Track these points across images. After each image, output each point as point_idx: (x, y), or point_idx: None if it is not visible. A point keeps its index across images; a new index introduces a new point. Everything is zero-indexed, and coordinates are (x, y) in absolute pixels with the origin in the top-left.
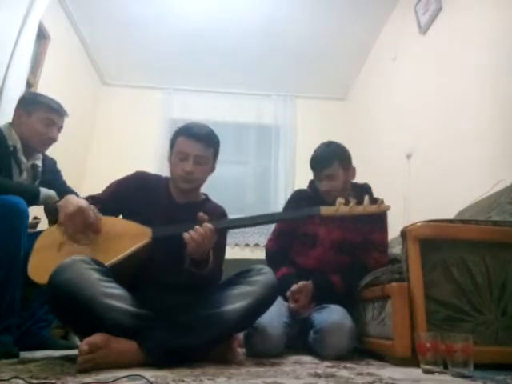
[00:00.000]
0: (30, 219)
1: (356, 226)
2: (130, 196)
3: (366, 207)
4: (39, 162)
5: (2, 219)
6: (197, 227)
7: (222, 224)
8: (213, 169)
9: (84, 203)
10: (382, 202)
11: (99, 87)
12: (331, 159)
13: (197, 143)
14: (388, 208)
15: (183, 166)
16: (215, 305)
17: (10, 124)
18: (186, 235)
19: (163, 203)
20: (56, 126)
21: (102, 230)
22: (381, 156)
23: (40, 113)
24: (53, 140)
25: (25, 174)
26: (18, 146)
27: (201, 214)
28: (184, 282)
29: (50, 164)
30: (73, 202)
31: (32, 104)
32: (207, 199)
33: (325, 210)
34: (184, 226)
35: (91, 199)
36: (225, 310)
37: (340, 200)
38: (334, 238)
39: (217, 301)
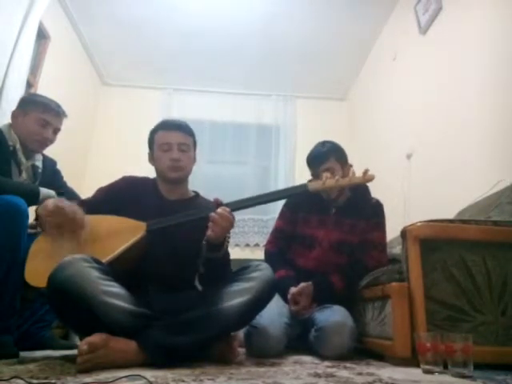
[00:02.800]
0: (31, 219)
1: (354, 226)
2: (121, 199)
3: (352, 178)
4: (39, 163)
5: (1, 219)
6: (218, 210)
7: (235, 205)
8: (194, 159)
9: (61, 202)
10: (367, 172)
11: (99, 87)
12: (327, 154)
13: (177, 132)
14: (373, 177)
15: (169, 156)
16: (214, 302)
17: (10, 124)
18: (212, 215)
19: (154, 202)
20: (51, 127)
21: (97, 229)
22: (381, 156)
23: (35, 113)
24: (47, 141)
25: (24, 175)
26: (18, 146)
27: (216, 198)
28: (186, 277)
29: (50, 164)
30: (50, 202)
31: (28, 104)
32: (198, 195)
33: (312, 185)
34: (177, 218)
35: (82, 204)
36: (223, 307)
37: (326, 174)
38: (332, 238)
39: (215, 298)
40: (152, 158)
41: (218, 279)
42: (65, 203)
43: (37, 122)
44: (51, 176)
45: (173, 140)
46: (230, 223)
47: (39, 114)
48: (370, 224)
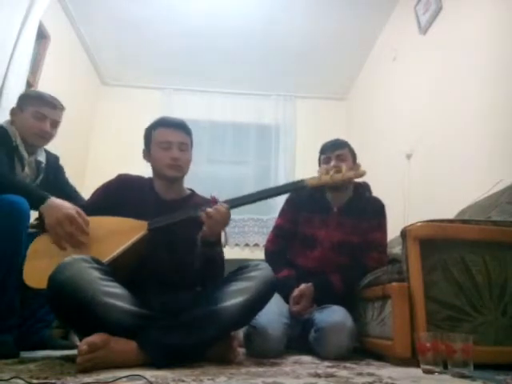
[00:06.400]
0: (32, 220)
1: (355, 226)
2: (117, 198)
3: (345, 173)
4: (42, 158)
5: (2, 218)
6: (215, 206)
7: (234, 202)
8: (191, 159)
9: (71, 209)
10: (359, 166)
11: (99, 87)
12: (343, 143)
13: (178, 131)
14: (364, 172)
15: (169, 154)
16: (213, 302)
17: (10, 121)
18: (202, 214)
19: (150, 201)
20: (48, 120)
21: (98, 229)
22: (381, 156)
23: (31, 107)
24: (46, 134)
25: (27, 170)
26: (18, 141)
27: (213, 195)
28: (184, 277)
29: (53, 160)
30: (61, 208)
31: (24, 100)
32: (194, 193)
33: (310, 181)
34: (177, 216)
35: (80, 208)
36: (223, 307)
37: (321, 170)
38: (333, 238)
39: (215, 298)
40: (148, 155)
41: (214, 277)
42: (75, 211)
43: (33, 115)
44: (54, 171)
45: (174, 139)
46: (226, 219)
47: (34, 107)
48: (371, 224)
